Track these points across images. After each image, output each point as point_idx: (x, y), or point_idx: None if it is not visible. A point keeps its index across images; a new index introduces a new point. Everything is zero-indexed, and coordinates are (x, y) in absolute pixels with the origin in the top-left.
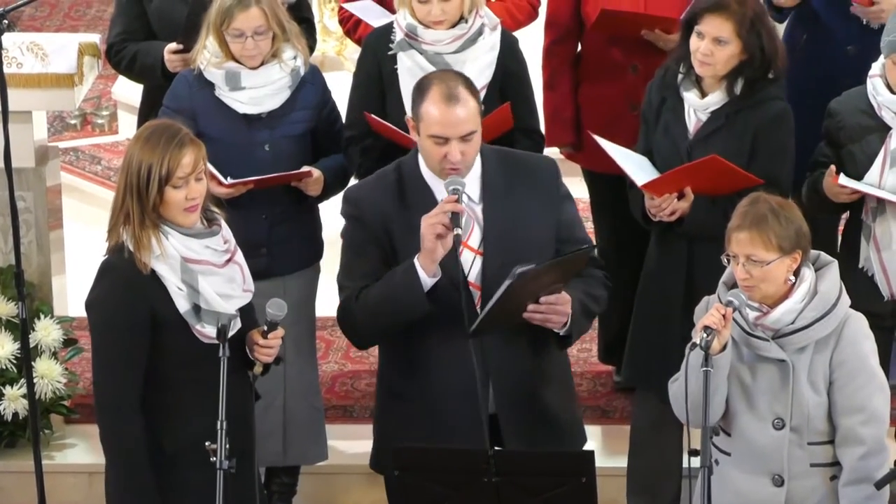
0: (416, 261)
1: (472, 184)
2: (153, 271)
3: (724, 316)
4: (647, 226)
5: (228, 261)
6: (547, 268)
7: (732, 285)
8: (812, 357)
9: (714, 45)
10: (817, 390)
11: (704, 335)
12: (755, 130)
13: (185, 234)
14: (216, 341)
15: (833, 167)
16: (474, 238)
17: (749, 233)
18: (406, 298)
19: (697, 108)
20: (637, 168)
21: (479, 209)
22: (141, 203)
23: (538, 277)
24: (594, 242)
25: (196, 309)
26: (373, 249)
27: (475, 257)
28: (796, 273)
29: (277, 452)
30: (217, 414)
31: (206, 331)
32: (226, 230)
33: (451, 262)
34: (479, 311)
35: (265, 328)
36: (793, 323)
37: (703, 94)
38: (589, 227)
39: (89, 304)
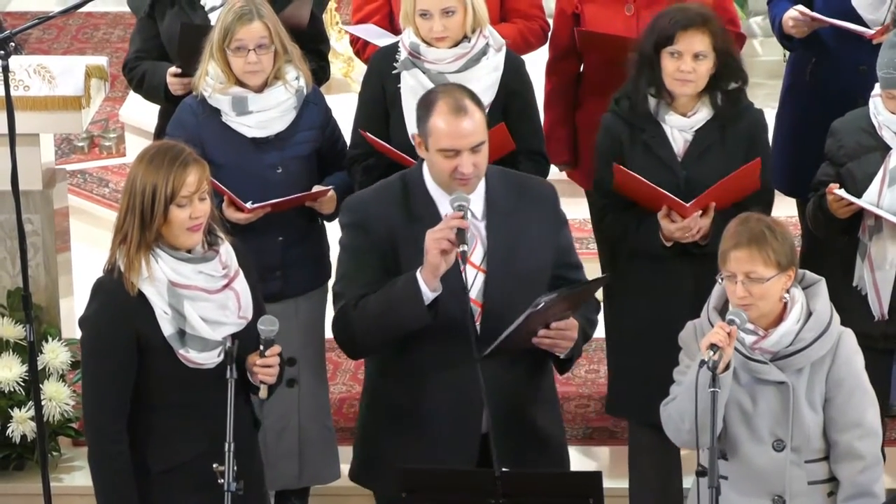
0: (418, 274)
1: (476, 201)
2: (141, 293)
3: (728, 334)
4: (662, 252)
5: (225, 286)
6: (566, 296)
7: (723, 308)
8: (809, 376)
9: (694, 62)
10: (815, 409)
11: (711, 353)
12: (747, 139)
13: (176, 257)
14: (203, 366)
15: (835, 184)
16: (477, 255)
17: (748, 250)
18: (407, 311)
19: (683, 128)
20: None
21: (482, 226)
22: (143, 224)
23: (558, 304)
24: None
25: (181, 334)
26: (374, 259)
27: (477, 274)
28: (787, 291)
29: (293, 475)
30: (205, 439)
31: (191, 356)
32: (226, 255)
33: (453, 277)
34: (478, 327)
35: (261, 348)
36: (791, 344)
37: (683, 114)
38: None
39: (80, 323)
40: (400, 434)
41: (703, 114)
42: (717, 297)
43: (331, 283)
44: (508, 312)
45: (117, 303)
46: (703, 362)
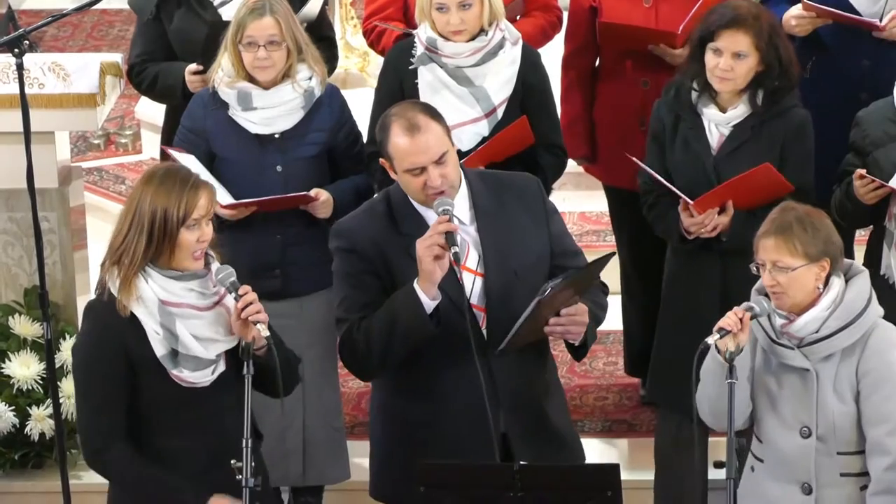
0: (415, 285)
1: (462, 206)
2: (132, 314)
3: (741, 320)
4: (682, 244)
5: (216, 304)
6: (571, 280)
7: (764, 293)
8: (838, 366)
9: (734, 60)
10: (843, 400)
11: (717, 336)
12: (783, 140)
13: (166, 276)
14: (196, 385)
15: (862, 171)
16: (471, 260)
17: (775, 239)
18: (410, 323)
19: (720, 123)
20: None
21: (472, 230)
22: (149, 245)
23: (564, 290)
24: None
25: (173, 354)
26: (371, 280)
27: (475, 278)
28: (826, 282)
29: (297, 473)
30: (204, 456)
31: (185, 375)
32: (215, 272)
33: (451, 285)
34: (483, 332)
35: (233, 296)
36: (817, 331)
37: (723, 109)
38: (612, 240)
39: (73, 347)
40: (420, 447)
41: (740, 110)
42: (762, 281)
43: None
44: (512, 312)
45: (108, 325)
46: (708, 346)
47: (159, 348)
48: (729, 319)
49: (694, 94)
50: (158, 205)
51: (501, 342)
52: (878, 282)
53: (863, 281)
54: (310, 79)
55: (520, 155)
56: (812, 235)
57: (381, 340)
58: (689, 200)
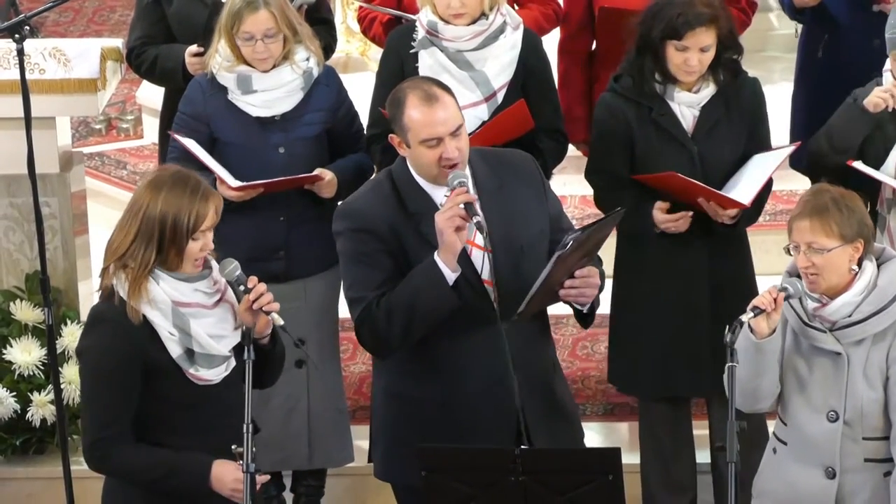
0: (436, 257)
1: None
2: (144, 318)
3: (775, 300)
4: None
5: (219, 301)
6: (588, 235)
7: (795, 275)
8: (869, 351)
9: (700, 54)
10: (872, 385)
11: (752, 314)
12: (750, 109)
13: (175, 277)
14: (211, 382)
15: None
16: (478, 237)
17: (810, 220)
18: (433, 296)
19: (691, 104)
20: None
21: (476, 207)
22: (159, 254)
23: (578, 250)
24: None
25: (189, 353)
26: (385, 259)
27: (484, 254)
28: (859, 264)
29: (303, 455)
30: (209, 453)
31: (201, 374)
32: (216, 271)
33: (462, 261)
34: (496, 306)
35: (241, 289)
36: (850, 316)
37: (690, 90)
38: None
39: (80, 352)
40: (431, 426)
41: (709, 90)
42: (793, 263)
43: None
44: (521, 286)
45: (121, 331)
46: (740, 322)
47: (175, 349)
48: (765, 299)
49: (657, 85)
50: (169, 212)
51: (513, 316)
52: None
53: (894, 266)
54: (307, 59)
55: (520, 140)
56: (847, 216)
57: (404, 316)
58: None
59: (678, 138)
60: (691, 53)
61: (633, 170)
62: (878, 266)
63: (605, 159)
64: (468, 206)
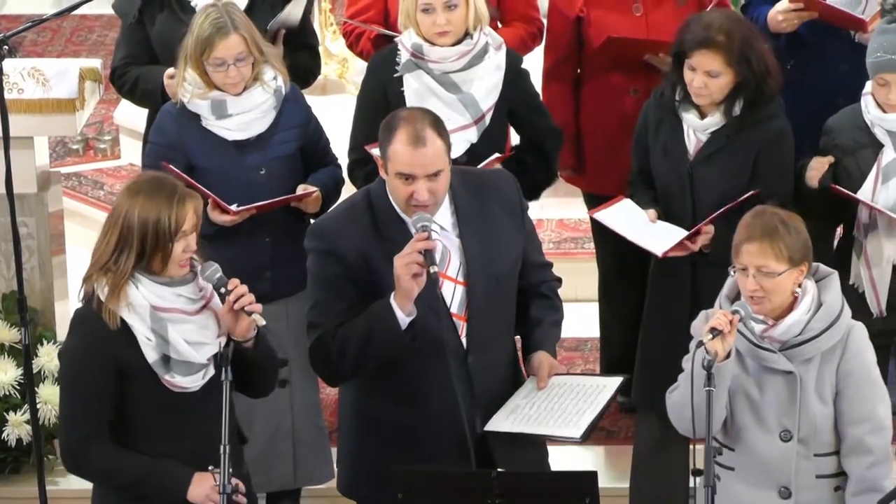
0: (391, 300)
1: (444, 212)
2: (123, 322)
3: (730, 322)
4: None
5: (203, 307)
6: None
7: (734, 298)
8: (819, 368)
9: (707, 78)
10: (824, 401)
11: (711, 337)
12: (758, 149)
13: (156, 282)
14: (187, 390)
15: (829, 158)
16: (452, 267)
17: (760, 244)
18: (385, 337)
19: (697, 128)
20: (645, 235)
21: (453, 236)
22: (140, 257)
23: None
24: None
25: (165, 359)
26: (348, 286)
27: (455, 287)
28: (799, 284)
29: (288, 475)
30: (192, 460)
31: (177, 381)
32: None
33: (430, 295)
34: (463, 340)
35: (222, 292)
36: (800, 334)
37: (702, 115)
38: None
39: (60, 354)
40: (395, 448)
41: (716, 118)
42: (730, 287)
43: None
44: (491, 318)
45: (98, 334)
46: (700, 343)
47: (151, 354)
48: (720, 320)
49: (676, 101)
50: (149, 218)
51: (479, 349)
52: (847, 290)
53: (835, 282)
54: (275, 78)
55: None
56: (795, 239)
57: (356, 351)
58: (657, 253)
59: (676, 157)
60: (698, 74)
61: (646, 175)
62: (817, 283)
63: (634, 156)
64: (427, 253)
